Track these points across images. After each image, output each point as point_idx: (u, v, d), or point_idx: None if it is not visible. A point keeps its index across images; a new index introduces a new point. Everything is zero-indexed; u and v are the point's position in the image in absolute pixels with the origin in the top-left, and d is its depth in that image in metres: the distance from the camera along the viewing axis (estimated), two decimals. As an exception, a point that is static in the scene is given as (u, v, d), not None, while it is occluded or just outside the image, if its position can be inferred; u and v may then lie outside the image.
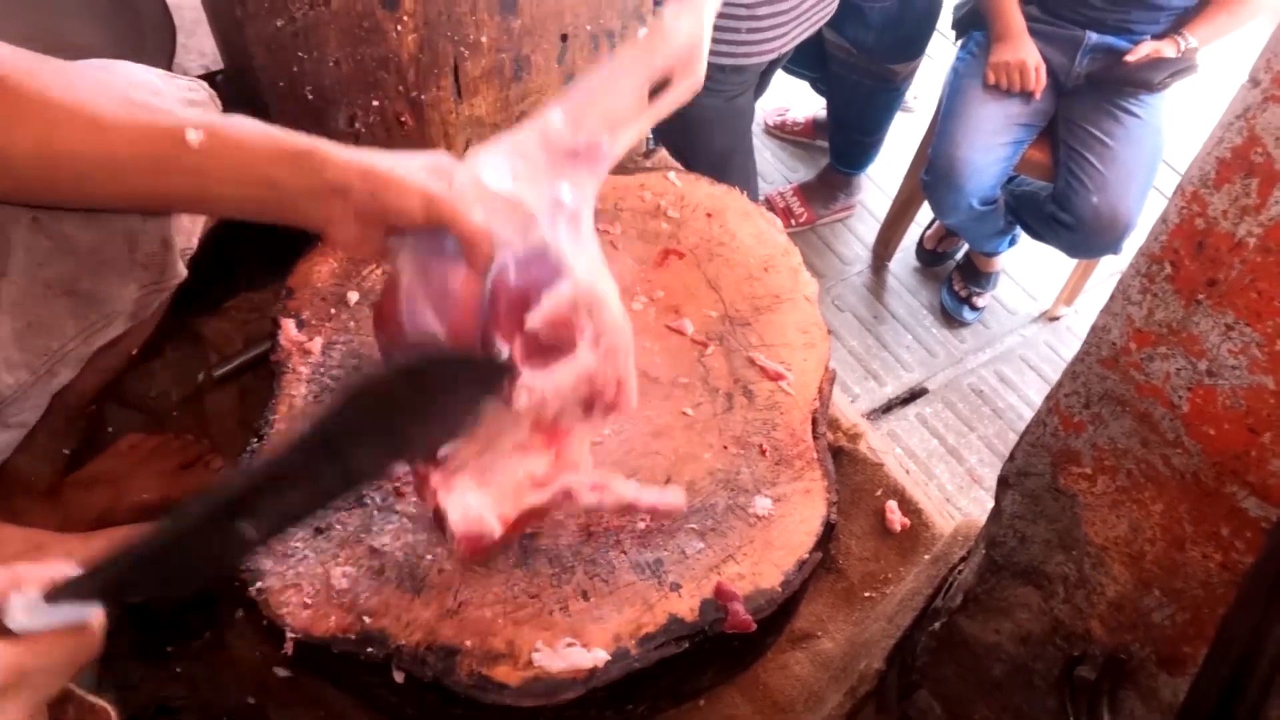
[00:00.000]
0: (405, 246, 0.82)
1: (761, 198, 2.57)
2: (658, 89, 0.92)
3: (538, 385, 0.77)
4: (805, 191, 2.59)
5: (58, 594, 0.55)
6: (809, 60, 2.40)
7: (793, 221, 2.55)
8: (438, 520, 0.83)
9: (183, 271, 0.96)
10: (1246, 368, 0.55)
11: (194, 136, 0.71)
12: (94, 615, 0.56)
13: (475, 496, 0.81)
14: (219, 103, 0.93)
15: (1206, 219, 0.54)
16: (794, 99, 2.85)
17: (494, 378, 0.75)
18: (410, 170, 0.77)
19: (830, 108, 2.52)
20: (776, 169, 2.76)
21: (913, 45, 2.23)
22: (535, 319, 0.76)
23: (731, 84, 1.86)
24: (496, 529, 0.80)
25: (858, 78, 2.27)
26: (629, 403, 0.80)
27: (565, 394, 0.77)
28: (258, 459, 0.70)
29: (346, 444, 0.61)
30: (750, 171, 2.11)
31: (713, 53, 1.81)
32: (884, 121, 2.42)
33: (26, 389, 0.84)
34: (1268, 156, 0.50)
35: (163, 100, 0.85)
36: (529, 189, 0.83)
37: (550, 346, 0.77)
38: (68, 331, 0.86)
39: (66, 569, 0.55)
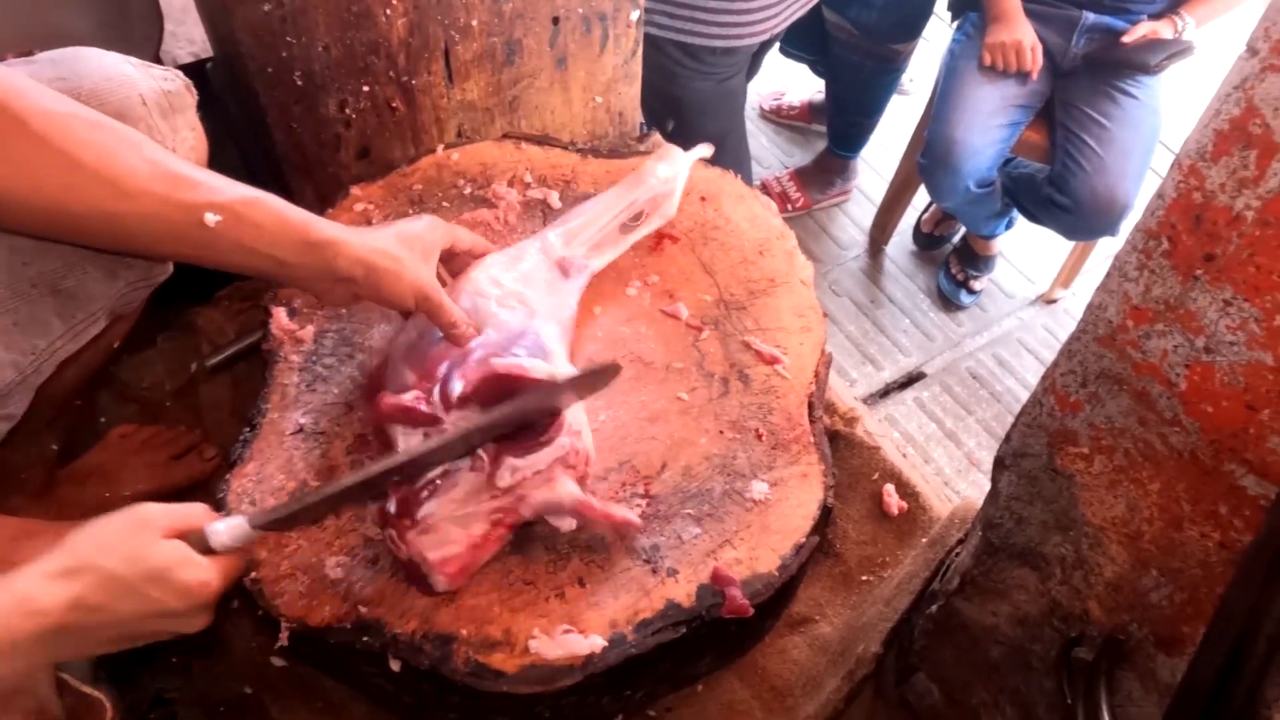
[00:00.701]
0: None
1: (757, 182, 2.55)
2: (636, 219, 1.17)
3: (521, 465, 0.86)
4: (802, 176, 2.58)
5: (258, 521, 0.73)
6: (809, 43, 2.38)
7: (789, 207, 2.54)
8: (410, 571, 0.85)
9: (169, 268, 0.96)
10: (1245, 344, 0.54)
11: (211, 219, 0.76)
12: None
13: (441, 529, 0.85)
14: (194, 92, 0.94)
15: (1204, 192, 0.53)
16: (790, 82, 2.83)
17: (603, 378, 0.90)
18: (410, 265, 0.88)
19: (830, 90, 2.50)
20: (772, 153, 2.75)
21: (915, 24, 2.22)
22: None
23: (723, 66, 1.85)
24: (464, 542, 0.85)
25: (859, 59, 2.25)
26: (589, 467, 0.93)
27: (540, 471, 0.87)
28: (424, 444, 0.83)
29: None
30: (744, 155, 2.10)
31: (703, 34, 1.81)
32: (884, 102, 2.41)
33: (14, 387, 0.84)
34: (1266, 128, 0.49)
35: (163, 146, 0.85)
36: (536, 290, 1.04)
37: (535, 439, 0.88)
38: (54, 330, 0.86)
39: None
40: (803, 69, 2.61)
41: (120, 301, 0.92)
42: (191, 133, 0.94)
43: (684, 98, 1.88)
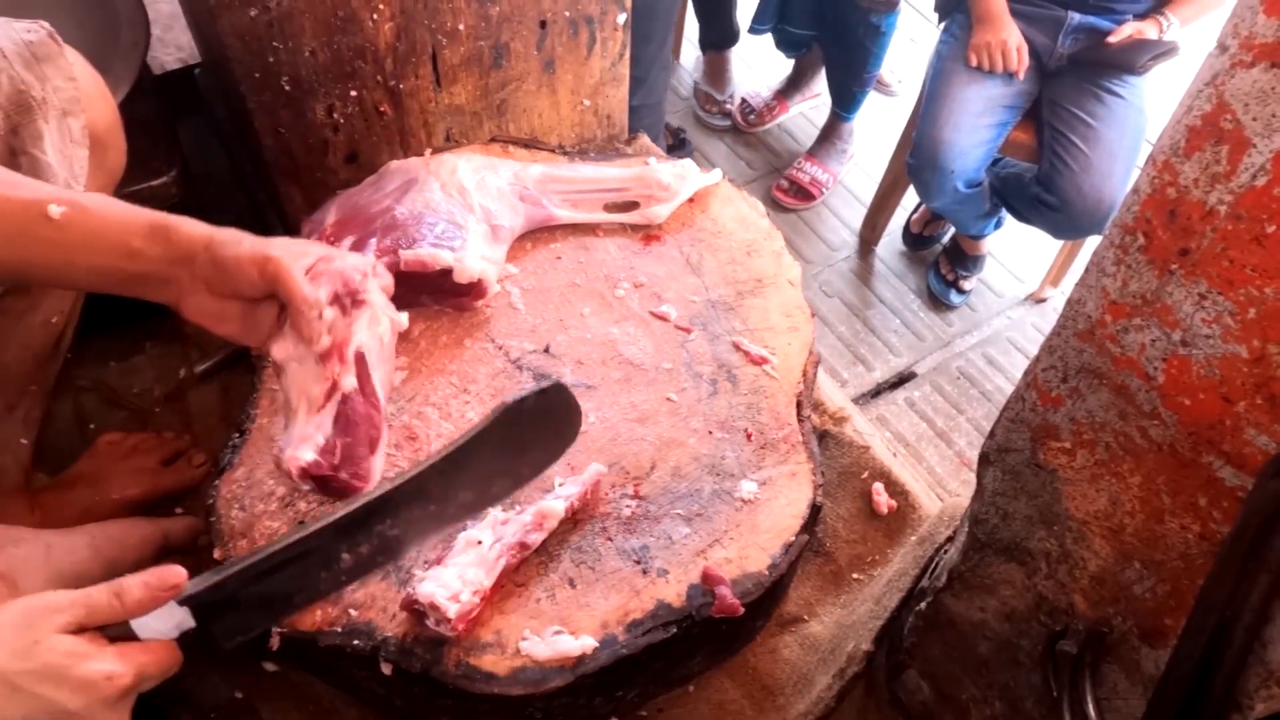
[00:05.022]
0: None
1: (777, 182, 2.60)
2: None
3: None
4: (816, 154, 2.60)
5: (192, 599, 0.64)
6: (813, 19, 2.40)
7: (824, 191, 2.56)
8: (410, 609, 0.85)
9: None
10: (1220, 337, 0.55)
11: (56, 210, 0.74)
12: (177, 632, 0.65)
13: (449, 577, 0.85)
14: (60, 41, 0.93)
15: (1178, 188, 0.54)
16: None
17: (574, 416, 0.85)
18: (253, 240, 0.80)
19: (831, 57, 2.51)
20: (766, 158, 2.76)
21: None
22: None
23: None
24: (478, 603, 0.86)
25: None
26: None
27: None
28: (386, 484, 0.75)
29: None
30: (670, 27, 2.05)
31: None
32: (878, 59, 2.43)
33: None
34: (1237, 123, 0.49)
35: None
36: (487, 198, 1.13)
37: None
38: None
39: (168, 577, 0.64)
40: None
41: None
42: (69, 83, 0.92)
43: None
